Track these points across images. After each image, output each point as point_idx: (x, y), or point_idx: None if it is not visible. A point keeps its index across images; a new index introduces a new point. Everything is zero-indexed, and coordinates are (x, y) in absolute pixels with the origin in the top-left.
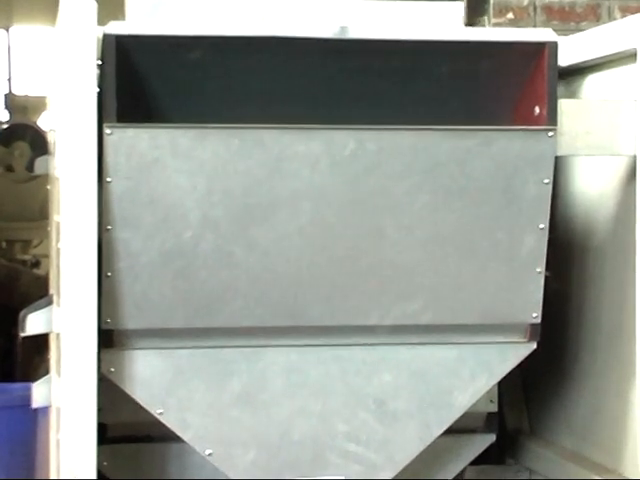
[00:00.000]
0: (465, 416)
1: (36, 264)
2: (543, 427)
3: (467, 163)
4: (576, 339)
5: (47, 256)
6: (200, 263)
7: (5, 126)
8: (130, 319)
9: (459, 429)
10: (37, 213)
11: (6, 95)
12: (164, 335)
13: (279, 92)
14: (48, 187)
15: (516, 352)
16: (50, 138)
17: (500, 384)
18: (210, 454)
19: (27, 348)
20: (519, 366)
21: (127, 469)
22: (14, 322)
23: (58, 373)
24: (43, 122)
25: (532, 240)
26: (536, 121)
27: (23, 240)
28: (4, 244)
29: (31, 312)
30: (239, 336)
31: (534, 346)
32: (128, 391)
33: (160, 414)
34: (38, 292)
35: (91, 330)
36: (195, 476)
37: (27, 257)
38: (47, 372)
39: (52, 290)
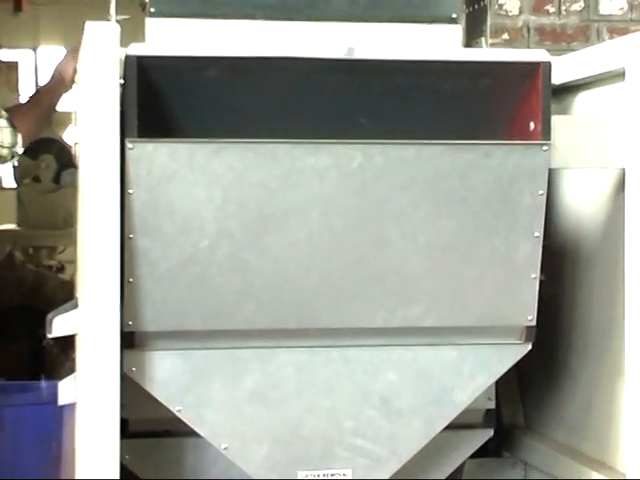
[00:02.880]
0: (465, 412)
1: (61, 269)
2: (537, 422)
3: (467, 175)
4: (568, 340)
5: (72, 262)
6: (216, 270)
7: (32, 140)
8: (150, 322)
9: (459, 425)
10: (62, 221)
11: None
12: (182, 337)
13: (290, 108)
14: (76, 197)
15: (513, 352)
16: (75, 152)
17: (497, 382)
18: (225, 448)
19: (53, 349)
20: (515, 365)
21: (147, 462)
22: (41, 324)
23: (83, 372)
24: (68, 136)
25: (527, 247)
26: (531, 136)
27: (49, 247)
28: (31, 250)
29: (58, 315)
30: (252, 338)
31: (529, 347)
32: (148, 389)
33: (178, 411)
34: (63, 295)
35: (114, 332)
36: (211, 469)
37: (53, 263)
38: (72, 371)
39: (78, 294)
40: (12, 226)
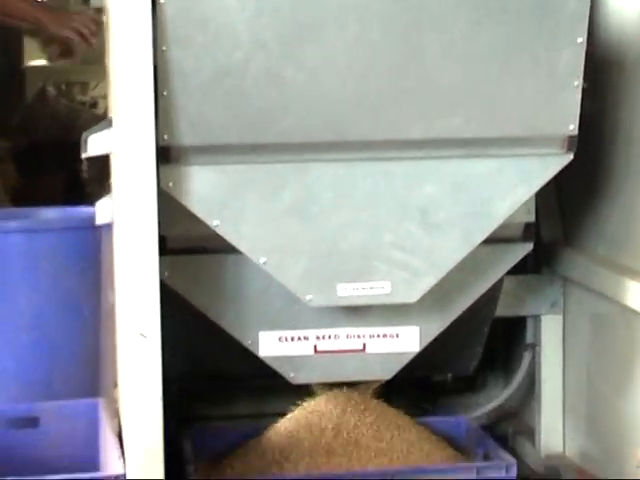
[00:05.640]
0: (504, 226)
1: (94, 105)
2: (577, 237)
3: None
4: (610, 153)
5: (104, 97)
6: (251, 82)
7: None
8: (186, 135)
9: (498, 238)
10: (95, 56)
11: None
12: (218, 151)
13: None
14: (104, 18)
15: (554, 163)
16: None
17: (537, 197)
18: (264, 262)
19: (90, 176)
20: (555, 179)
21: (187, 279)
22: (75, 158)
23: (119, 190)
24: None
25: (570, 54)
26: None
27: (81, 82)
28: (64, 86)
29: (92, 133)
30: (289, 151)
31: (571, 157)
32: (186, 204)
33: (216, 226)
34: None
35: (149, 146)
36: (250, 284)
37: (86, 99)
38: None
39: (111, 113)
40: (43, 62)
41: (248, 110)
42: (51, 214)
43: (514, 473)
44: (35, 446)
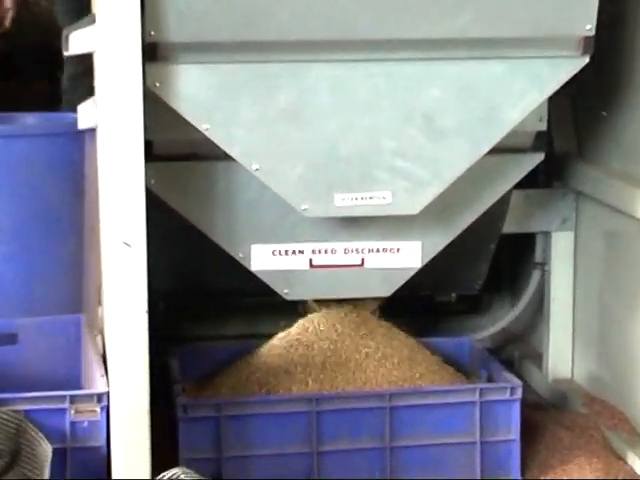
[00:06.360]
0: (514, 134)
1: None
2: (591, 149)
3: None
4: (630, 63)
5: None
6: None
7: None
8: (174, 32)
9: (507, 148)
10: None
11: None
12: (209, 49)
13: None
14: None
15: (568, 66)
16: None
17: (550, 105)
18: (257, 169)
19: (73, 79)
20: (570, 86)
21: (175, 187)
22: (58, 64)
23: (103, 92)
24: None
25: None
26: None
27: None
28: None
29: (74, 30)
30: (285, 50)
31: (587, 60)
32: (174, 106)
33: (206, 129)
34: None
35: (135, 43)
36: (242, 194)
37: None
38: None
39: (95, 9)
40: None
41: (241, 3)
42: (31, 120)
43: (519, 395)
44: (14, 363)
